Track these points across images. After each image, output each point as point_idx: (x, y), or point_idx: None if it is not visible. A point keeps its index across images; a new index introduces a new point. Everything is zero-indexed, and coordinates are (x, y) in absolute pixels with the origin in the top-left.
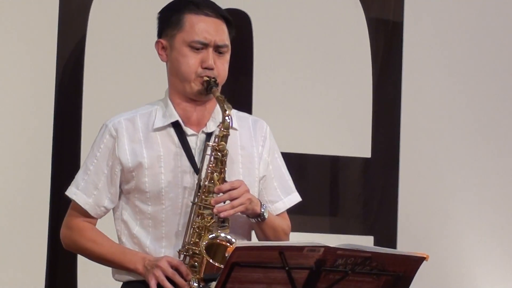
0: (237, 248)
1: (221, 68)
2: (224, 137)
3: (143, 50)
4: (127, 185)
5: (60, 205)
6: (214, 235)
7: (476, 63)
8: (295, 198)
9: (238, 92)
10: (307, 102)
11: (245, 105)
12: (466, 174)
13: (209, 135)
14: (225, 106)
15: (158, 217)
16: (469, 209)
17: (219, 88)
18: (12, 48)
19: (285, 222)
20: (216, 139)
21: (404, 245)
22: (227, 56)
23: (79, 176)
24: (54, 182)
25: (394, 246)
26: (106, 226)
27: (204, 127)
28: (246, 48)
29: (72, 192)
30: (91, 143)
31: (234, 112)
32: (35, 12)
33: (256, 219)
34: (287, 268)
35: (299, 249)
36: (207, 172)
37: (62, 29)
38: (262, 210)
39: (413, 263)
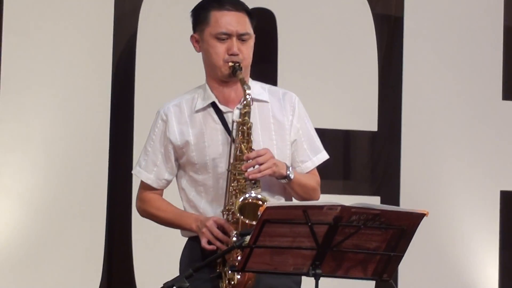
0: (267, 208)
1: (246, 52)
2: (246, 113)
3: (185, 44)
4: (181, 160)
5: (116, 203)
6: (245, 196)
7: (467, 50)
8: (323, 156)
9: (265, 76)
10: (324, 86)
11: None
12: (459, 143)
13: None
14: (245, 87)
15: (207, 184)
16: (461, 173)
17: (248, 69)
18: (74, 44)
19: (314, 179)
20: (240, 116)
21: (406, 204)
22: (251, 42)
23: (141, 157)
24: (111, 179)
25: (397, 204)
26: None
27: (238, 103)
28: (271, 41)
29: (136, 171)
30: (143, 130)
31: (266, 87)
32: (93, 12)
33: (284, 179)
34: (309, 224)
35: (319, 208)
36: (235, 144)
37: (116, 27)
38: (288, 172)
39: (415, 218)
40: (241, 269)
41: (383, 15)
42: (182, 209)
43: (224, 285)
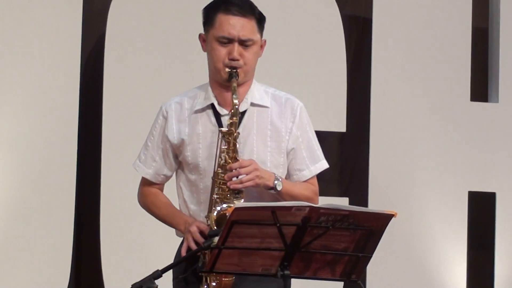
0: (236, 209)
1: (247, 57)
2: (232, 124)
3: (153, 45)
4: (179, 158)
5: (84, 204)
6: (217, 209)
7: (436, 51)
8: (321, 165)
9: None
10: (293, 87)
11: None
12: (427, 144)
13: (241, 114)
14: (233, 96)
15: (198, 185)
16: (429, 174)
17: (249, 74)
18: (42, 45)
19: (310, 188)
20: (228, 125)
21: (374, 205)
22: (254, 48)
23: (141, 152)
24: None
25: (365, 205)
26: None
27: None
28: None
29: (136, 165)
30: (111, 131)
31: (270, 91)
32: (61, 13)
33: (271, 190)
34: (278, 225)
35: (288, 208)
36: (220, 153)
37: (85, 27)
38: (275, 183)
39: (384, 219)
40: (210, 269)
41: (352, 16)
42: (178, 206)
43: None
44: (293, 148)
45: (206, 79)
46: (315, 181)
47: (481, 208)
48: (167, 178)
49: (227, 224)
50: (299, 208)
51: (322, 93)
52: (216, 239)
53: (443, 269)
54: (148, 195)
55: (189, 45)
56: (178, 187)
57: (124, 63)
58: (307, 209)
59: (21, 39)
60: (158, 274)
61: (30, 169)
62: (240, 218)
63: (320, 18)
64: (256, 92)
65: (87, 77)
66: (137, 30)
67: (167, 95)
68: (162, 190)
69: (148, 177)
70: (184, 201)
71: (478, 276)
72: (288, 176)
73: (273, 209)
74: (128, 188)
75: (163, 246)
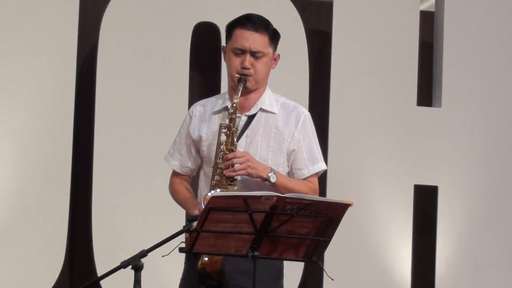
0: (213, 197)
1: (258, 67)
2: (231, 120)
3: (143, 53)
4: (200, 152)
5: (78, 194)
6: (209, 193)
7: (387, 61)
8: (319, 166)
9: (209, 84)
10: None
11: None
12: (379, 143)
13: (251, 117)
14: (234, 96)
15: (210, 176)
16: (380, 169)
17: (260, 82)
18: (40, 51)
19: (307, 185)
20: (228, 120)
21: (332, 196)
22: (265, 59)
23: (171, 146)
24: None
25: (324, 196)
26: None
27: (247, 111)
28: (216, 52)
29: (166, 157)
30: (102, 129)
31: (281, 100)
32: (58, 22)
33: (265, 181)
34: (249, 212)
35: (258, 197)
36: (220, 144)
37: (80, 37)
38: (269, 175)
39: (341, 208)
40: (189, 250)
41: (314, 30)
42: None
43: (199, 264)
44: (294, 150)
45: (192, 86)
46: (315, 180)
47: (425, 199)
48: (192, 170)
49: (205, 210)
50: (267, 197)
51: (287, 97)
52: (195, 223)
53: (391, 252)
54: (174, 183)
55: (177, 54)
56: (200, 178)
57: (115, 67)
58: (275, 198)
59: (20, 44)
60: (144, 253)
61: (28, 164)
62: (216, 205)
63: (287, 31)
64: (267, 100)
65: (81, 79)
66: (128, 38)
67: (156, 97)
68: (188, 181)
69: (174, 168)
70: (200, 189)
71: (422, 259)
72: (291, 175)
73: (245, 198)
74: (119, 180)
75: (149, 229)
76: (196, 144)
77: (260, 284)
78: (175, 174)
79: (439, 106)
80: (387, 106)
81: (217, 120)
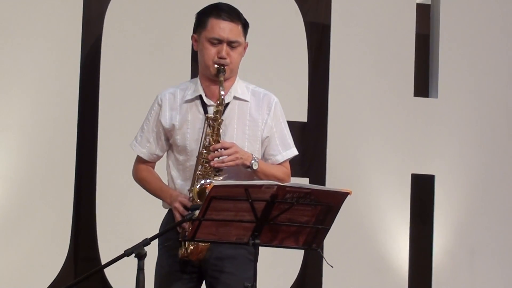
0: (214, 186)
1: (233, 57)
2: (218, 111)
3: (147, 45)
4: (170, 140)
5: (83, 182)
6: (201, 183)
7: (385, 53)
8: (292, 152)
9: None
10: (261, 83)
11: None
12: (377, 133)
13: (225, 106)
14: (220, 88)
15: (185, 164)
16: (378, 158)
17: (234, 71)
18: (45, 44)
19: (282, 170)
20: (214, 112)
21: (331, 184)
22: (239, 49)
23: (138, 133)
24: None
25: (323, 184)
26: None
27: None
28: None
29: (132, 144)
30: (106, 122)
31: (251, 87)
32: (62, 15)
33: (248, 168)
34: (250, 200)
35: (259, 186)
36: (206, 136)
37: (85, 29)
38: (252, 162)
39: (340, 196)
40: (191, 238)
41: (313, 22)
42: (166, 182)
43: (182, 251)
44: (267, 137)
45: (194, 77)
46: (288, 164)
47: (422, 188)
48: (159, 157)
49: (207, 199)
50: (268, 186)
51: (287, 88)
52: (197, 212)
53: (389, 240)
54: (142, 171)
55: (179, 46)
56: (168, 165)
57: (119, 60)
58: (275, 187)
59: (24, 37)
60: (147, 241)
61: (33, 152)
62: (218, 194)
63: (286, 24)
64: (239, 88)
65: (85, 72)
66: (131, 32)
67: (157, 88)
68: (153, 168)
69: (142, 155)
70: (172, 177)
71: (419, 246)
72: (264, 160)
73: (246, 187)
74: (123, 169)
75: (151, 218)
76: (167, 133)
77: (236, 268)
78: (140, 160)
79: (436, 96)
80: (385, 97)
81: (190, 109)
